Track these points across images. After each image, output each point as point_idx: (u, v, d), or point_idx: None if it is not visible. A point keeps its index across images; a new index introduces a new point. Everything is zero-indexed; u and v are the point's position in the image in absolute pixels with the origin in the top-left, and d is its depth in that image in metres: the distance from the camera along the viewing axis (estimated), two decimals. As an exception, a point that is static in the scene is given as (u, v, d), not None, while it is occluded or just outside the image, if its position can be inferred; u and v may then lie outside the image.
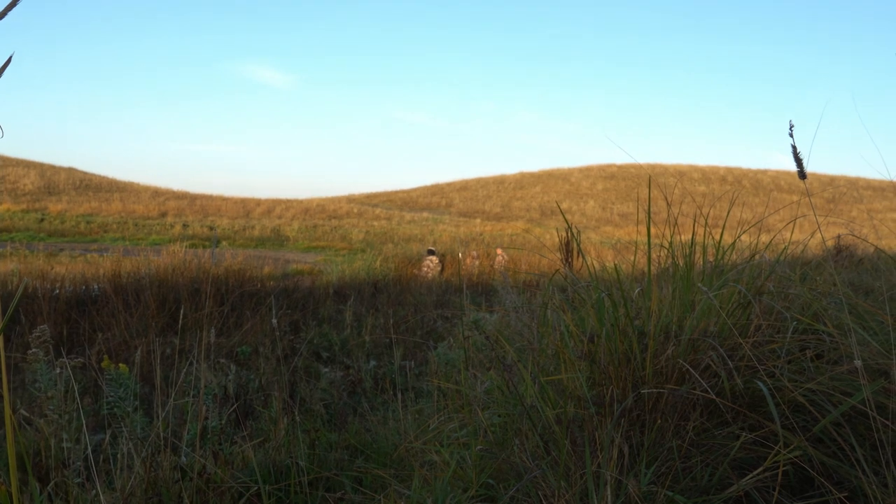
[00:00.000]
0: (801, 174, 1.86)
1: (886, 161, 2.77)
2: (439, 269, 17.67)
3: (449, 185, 63.14)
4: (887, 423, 1.88)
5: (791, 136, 1.76)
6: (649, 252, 2.69)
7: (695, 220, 2.99)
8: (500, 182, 61.98)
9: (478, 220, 43.87)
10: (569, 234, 3.78)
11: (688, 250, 2.85)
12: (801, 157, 1.79)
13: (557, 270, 3.12)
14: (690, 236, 2.91)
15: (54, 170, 51.36)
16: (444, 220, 42.99)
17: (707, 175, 60.30)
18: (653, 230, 2.90)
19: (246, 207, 43.18)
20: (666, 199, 3.27)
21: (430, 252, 18.42)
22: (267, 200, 47.06)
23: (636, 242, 3.18)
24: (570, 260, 3.75)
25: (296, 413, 3.79)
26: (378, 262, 16.86)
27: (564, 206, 49.68)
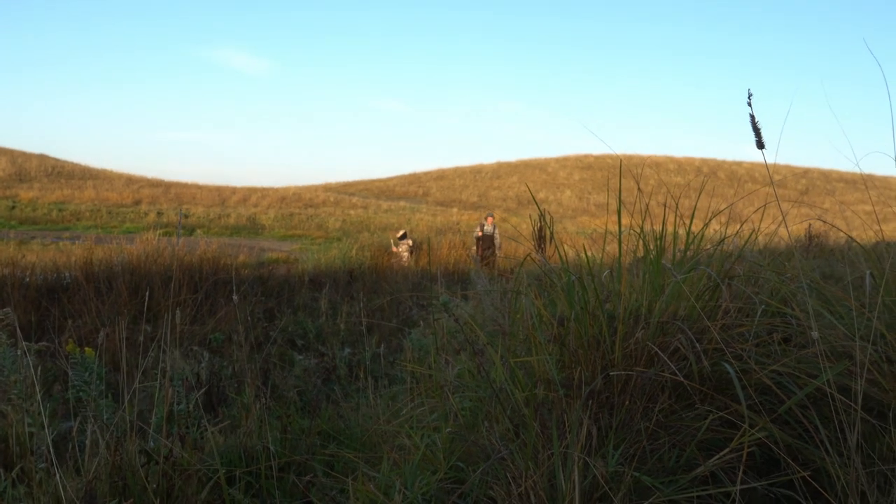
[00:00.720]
0: (759, 144, 1.87)
1: (857, 154, 2.79)
2: (408, 253, 17.56)
3: (426, 174, 63.00)
4: (850, 403, 1.90)
5: (749, 105, 1.77)
6: (619, 237, 2.70)
7: (665, 208, 3.01)
8: (477, 172, 61.96)
9: (455, 210, 43.87)
10: (541, 222, 3.79)
11: (659, 237, 2.87)
12: (759, 126, 1.80)
13: (529, 255, 3.12)
14: (662, 225, 2.92)
15: (25, 156, 50.53)
16: (420, 210, 42.91)
17: (682, 166, 60.72)
18: (627, 220, 2.91)
19: (221, 195, 42.81)
20: (639, 188, 3.28)
21: (403, 237, 18.29)
22: (242, 188, 46.72)
23: (610, 231, 3.20)
24: (542, 246, 3.76)
25: (267, 399, 3.76)
26: (354, 251, 16.80)
27: (541, 196, 49.77)
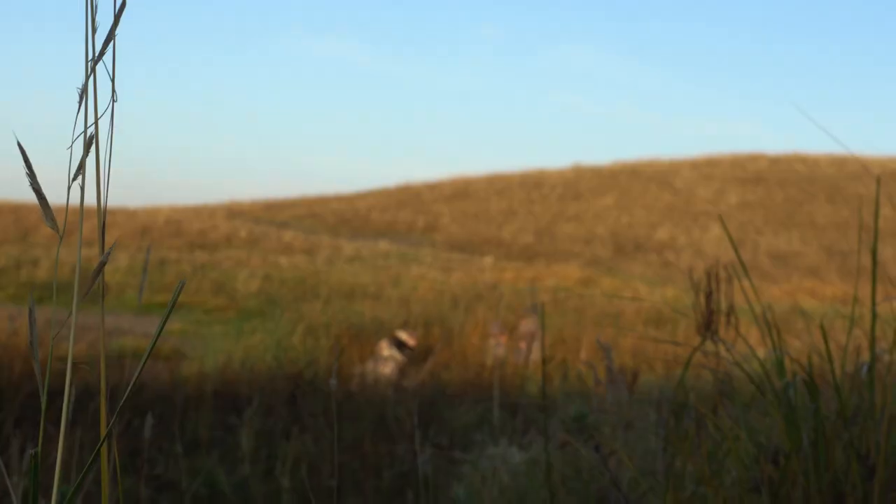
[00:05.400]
0: None
1: None
2: (397, 356, 17.69)
3: (432, 187, 63.39)
4: None
5: None
6: (873, 315, 2.99)
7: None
8: (533, 185, 62.38)
9: (488, 259, 44.09)
10: (710, 285, 4.08)
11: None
12: None
13: (696, 348, 3.40)
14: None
15: None
16: (420, 257, 43.17)
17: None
18: (843, 287, 3.21)
19: (22, 224, 43.32)
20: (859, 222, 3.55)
21: (397, 343, 18.31)
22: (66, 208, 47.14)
23: (818, 306, 3.47)
24: (713, 329, 4.05)
25: None
26: (297, 337, 17.13)
27: (662, 235, 50.01)
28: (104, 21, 1.61)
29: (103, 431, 1.89)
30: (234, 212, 55.45)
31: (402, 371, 16.94)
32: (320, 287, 32.16)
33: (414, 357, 17.69)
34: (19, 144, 1.70)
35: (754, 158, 66.04)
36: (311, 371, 14.56)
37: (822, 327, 3.57)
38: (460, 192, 61.68)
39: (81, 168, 1.64)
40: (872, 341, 3.05)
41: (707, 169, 64.68)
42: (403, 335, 18.26)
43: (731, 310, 4.08)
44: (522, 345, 17.31)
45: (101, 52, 1.65)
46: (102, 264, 1.85)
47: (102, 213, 1.71)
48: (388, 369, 17.20)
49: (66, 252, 38.28)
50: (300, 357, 15.65)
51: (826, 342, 3.31)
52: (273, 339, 16.93)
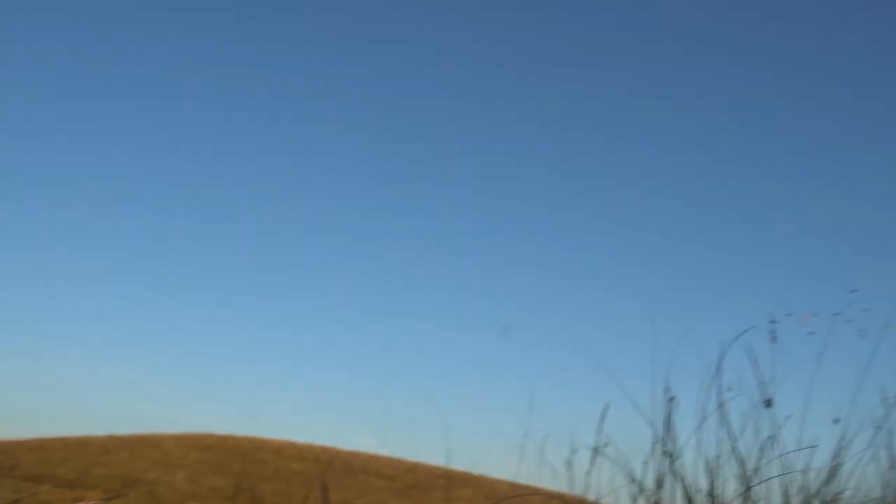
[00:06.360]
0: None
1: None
2: None
3: (21, 443, 61.85)
4: None
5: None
6: None
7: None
8: (83, 444, 63.77)
9: (46, 487, 45.82)
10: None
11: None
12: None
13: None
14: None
15: None
16: (2, 485, 45.00)
17: (303, 453, 68.97)
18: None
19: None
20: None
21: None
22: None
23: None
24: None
25: None
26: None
27: (152, 475, 52.71)
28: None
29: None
30: None
31: None
32: None
33: None
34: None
35: (208, 436, 72.78)
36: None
37: None
38: (39, 446, 58.79)
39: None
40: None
41: (182, 440, 66.12)
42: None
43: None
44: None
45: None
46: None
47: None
48: None
49: None
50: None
51: None
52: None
